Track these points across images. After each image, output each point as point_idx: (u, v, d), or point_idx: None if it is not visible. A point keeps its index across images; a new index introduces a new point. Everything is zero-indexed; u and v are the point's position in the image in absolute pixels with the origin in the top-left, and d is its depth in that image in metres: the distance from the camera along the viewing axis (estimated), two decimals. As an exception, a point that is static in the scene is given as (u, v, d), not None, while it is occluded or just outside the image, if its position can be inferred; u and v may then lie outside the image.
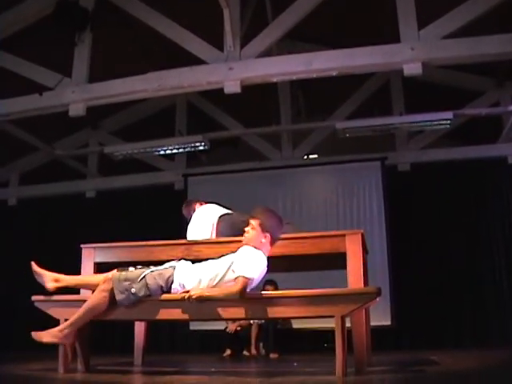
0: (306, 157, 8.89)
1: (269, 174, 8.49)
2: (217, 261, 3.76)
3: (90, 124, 9.02)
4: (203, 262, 3.82)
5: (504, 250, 7.65)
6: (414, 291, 7.55)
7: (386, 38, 5.44)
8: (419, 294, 7.52)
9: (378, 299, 3.44)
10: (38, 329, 3.68)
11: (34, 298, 3.90)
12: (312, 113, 9.16)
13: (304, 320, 6.47)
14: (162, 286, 3.67)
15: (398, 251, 7.72)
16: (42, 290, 3.86)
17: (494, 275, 7.59)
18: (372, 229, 7.71)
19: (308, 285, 3.83)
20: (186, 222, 5.06)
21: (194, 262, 3.88)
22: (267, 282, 6.54)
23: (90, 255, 4.25)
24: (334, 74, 5.65)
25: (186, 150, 7.96)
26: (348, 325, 3.45)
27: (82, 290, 4.13)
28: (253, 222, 3.80)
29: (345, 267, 3.72)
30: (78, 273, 4.20)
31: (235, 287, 3.50)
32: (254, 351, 6.88)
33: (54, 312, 3.84)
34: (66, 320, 3.75)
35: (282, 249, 3.90)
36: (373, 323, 4.43)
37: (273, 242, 3.81)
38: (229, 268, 3.63)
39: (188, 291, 3.55)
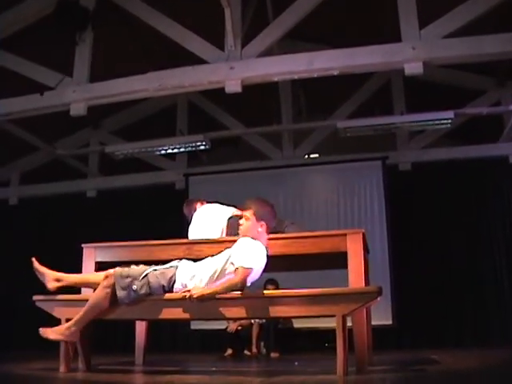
0: (307, 156, 8.88)
1: (270, 173, 8.48)
2: (215, 257, 3.77)
3: (91, 123, 9.02)
4: (203, 261, 3.82)
5: (505, 249, 7.64)
6: (415, 290, 7.55)
7: (386, 38, 5.44)
8: (420, 293, 7.52)
9: (378, 298, 3.44)
10: (38, 328, 3.68)
11: (35, 297, 3.90)
12: (313, 112, 9.16)
13: (305, 319, 6.47)
14: (163, 286, 3.67)
15: (398, 250, 7.72)
16: (42, 289, 3.87)
17: (494, 274, 7.59)
18: (373, 228, 7.71)
19: (309, 284, 3.82)
20: (186, 222, 5.07)
21: (195, 261, 3.88)
22: (268, 282, 6.54)
23: (91, 255, 4.25)
24: (335, 73, 5.64)
25: (187, 149, 7.95)
26: (349, 324, 3.45)
27: (82, 290, 4.14)
28: (246, 212, 3.83)
29: (346, 267, 3.72)
30: (79, 272, 4.20)
31: (235, 278, 3.51)
32: (254, 350, 6.88)
33: (55, 311, 3.84)
34: (66, 319, 3.75)
35: (283, 248, 3.91)
36: (374, 322, 4.42)
37: (268, 230, 3.82)
38: (227, 261, 3.63)
39: (189, 290, 3.55)
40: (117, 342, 7.69)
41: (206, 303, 3.50)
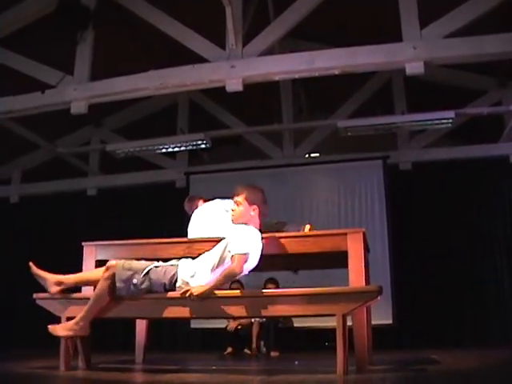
0: (307, 155, 8.88)
1: (270, 172, 8.47)
2: (212, 250, 3.78)
3: (92, 122, 9.02)
4: (201, 256, 3.82)
5: (505, 249, 7.64)
6: (416, 290, 7.54)
7: (388, 37, 5.44)
8: (420, 292, 7.52)
9: (379, 298, 3.44)
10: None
11: (35, 295, 3.90)
12: (314, 111, 9.16)
13: (305, 318, 6.49)
14: (164, 284, 3.67)
15: (399, 250, 7.72)
16: (42, 287, 3.86)
17: (495, 274, 7.59)
18: (373, 227, 7.71)
19: (309, 283, 3.83)
20: (187, 220, 5.06)
21: (193, 259, 3.89)
22: (268, 281, 6.56)
23: (92, 253, 4.25)
24: (337, 72, 5.64)
25: (188, 148, 7.96)
26: (349, 323, 3.45)
27: (83, 288, 4.14)
28: (238, 198, 3.85)
29: (346, 266, 3.72)
30: (80, 271, 4.20)
31: (232, 266, 3.53)
32: (254, 349, 6.88)
33: (55, 309, 3.84)
34: (67, 318, 3.76)
35: (283, 247, 3.91)
36: (374, 322, 4.42)
37: (261, 214, 3.83)
38: (225, 249, 3.64)
39: (189, 289, 3.54)
40: (117, 340, 7.70)
41: (206, 302, 3.50)
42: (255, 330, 6.88)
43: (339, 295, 3.37)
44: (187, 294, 3.48)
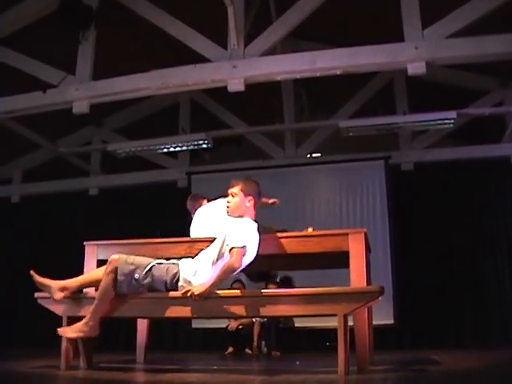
0: (309, 155, 8.87)
1: (272, 172, 8.46)
2: (210, 246, 3.78)
3: (94, 121, 9.02)
4: (200, 254, 3.82)
5: (507, 249, 7.63)
6: (417, 290, 7.54)
7: (390, 37, 5.44)
8: (421, 293, 7.51)
9: (380, 298, 3.44)
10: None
11: (36, 294, 3.90)
12: (315, 111, 9.16)
13: (306, 318, 6.49)
14: (166, 282, 3.67)
15: (400, 250, 7.72)
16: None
17: (496, 275, 7.59)
18: (375, 228, 7.71)
19: (311, 283, 3.83)
20: (189, 220, 5.05)
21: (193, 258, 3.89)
22: (270, 281, 6.54)
23: (93, 252, 4.25)
24: (338, 72, 5.64)
25: (190, 147, 7.96)
26: (350, 323, 3.45)
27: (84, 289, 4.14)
28: (233, 189, 3.88)
29: (348, 266, 3.72)
30: (80, 270, 4.19)
31: (231, 260, 3.54)
32: (256, 349, 6.88)
33: (56, 309, 3.84)
34: (68, 317, 3.75)
35: (285, 247, 3.90)
36: (375, 322, 4.42)
37: (256, 205, 3.85)
38: (223, 244, 3.65)
39: (190, 289, 3.54)
40: (118, 340, 7.68)
41: (207, 301, 3.50)
42: (256, 329, 6.88)
43: (340, 295, 3.37)
44: (188, 294, 3.47)
